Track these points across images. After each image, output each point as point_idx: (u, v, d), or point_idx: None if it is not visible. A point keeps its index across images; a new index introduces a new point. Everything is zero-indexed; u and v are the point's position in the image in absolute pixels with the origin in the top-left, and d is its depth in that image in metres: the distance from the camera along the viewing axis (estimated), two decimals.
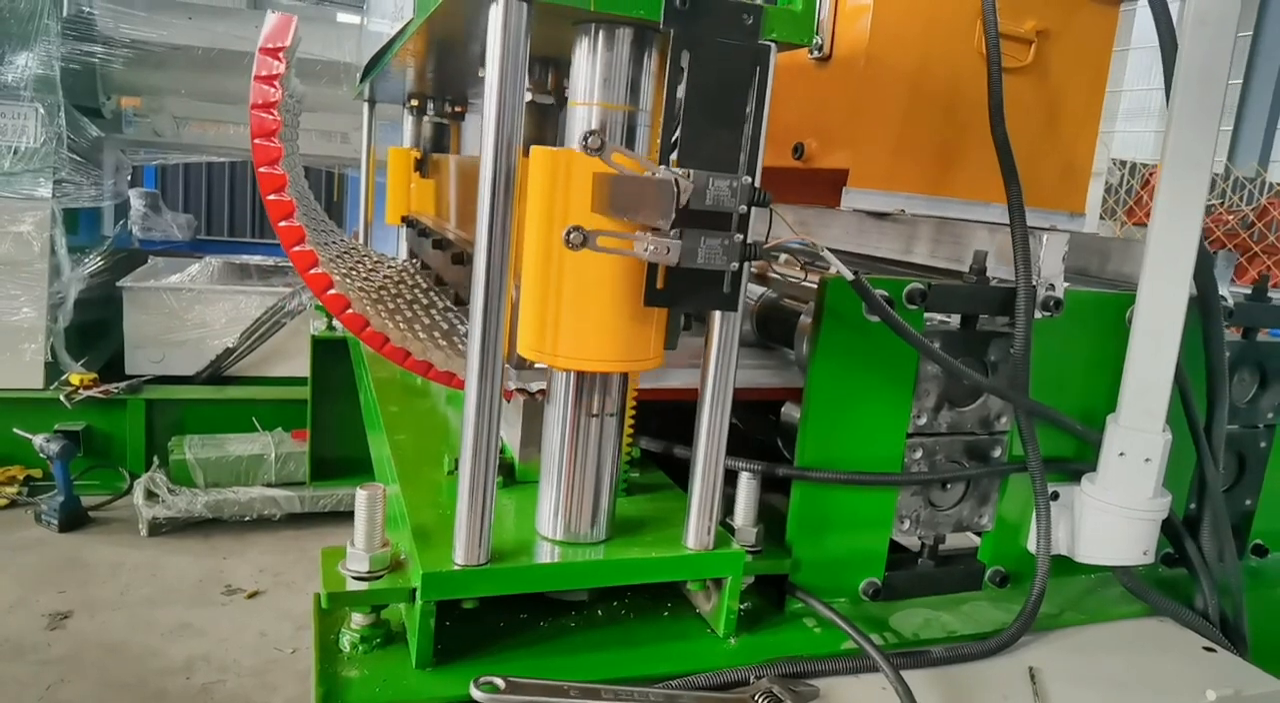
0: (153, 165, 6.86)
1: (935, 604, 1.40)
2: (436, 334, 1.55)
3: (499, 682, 1.03)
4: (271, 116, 1.27)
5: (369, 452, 1.93)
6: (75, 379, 4.13)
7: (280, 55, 1.32)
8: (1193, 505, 1.55)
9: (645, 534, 1.23)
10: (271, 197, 1.27)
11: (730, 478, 1.25)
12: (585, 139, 0.95)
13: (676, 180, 0.92)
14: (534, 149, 1.07)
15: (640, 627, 1.25)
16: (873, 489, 1.33)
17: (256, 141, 1.27)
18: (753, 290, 1.59)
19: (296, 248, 1.29)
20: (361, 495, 1.10)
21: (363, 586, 1.09)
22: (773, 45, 1.03)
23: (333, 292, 1.30)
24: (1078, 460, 1.44)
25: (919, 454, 1.35)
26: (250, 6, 5.75)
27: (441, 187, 2.39)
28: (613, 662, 1.17)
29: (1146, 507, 1.35)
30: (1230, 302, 1.51)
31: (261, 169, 1.27)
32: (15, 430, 3.97)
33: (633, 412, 1.29)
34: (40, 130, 4.06)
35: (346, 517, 4.07)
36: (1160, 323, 1.32)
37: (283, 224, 1.28)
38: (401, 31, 1.42)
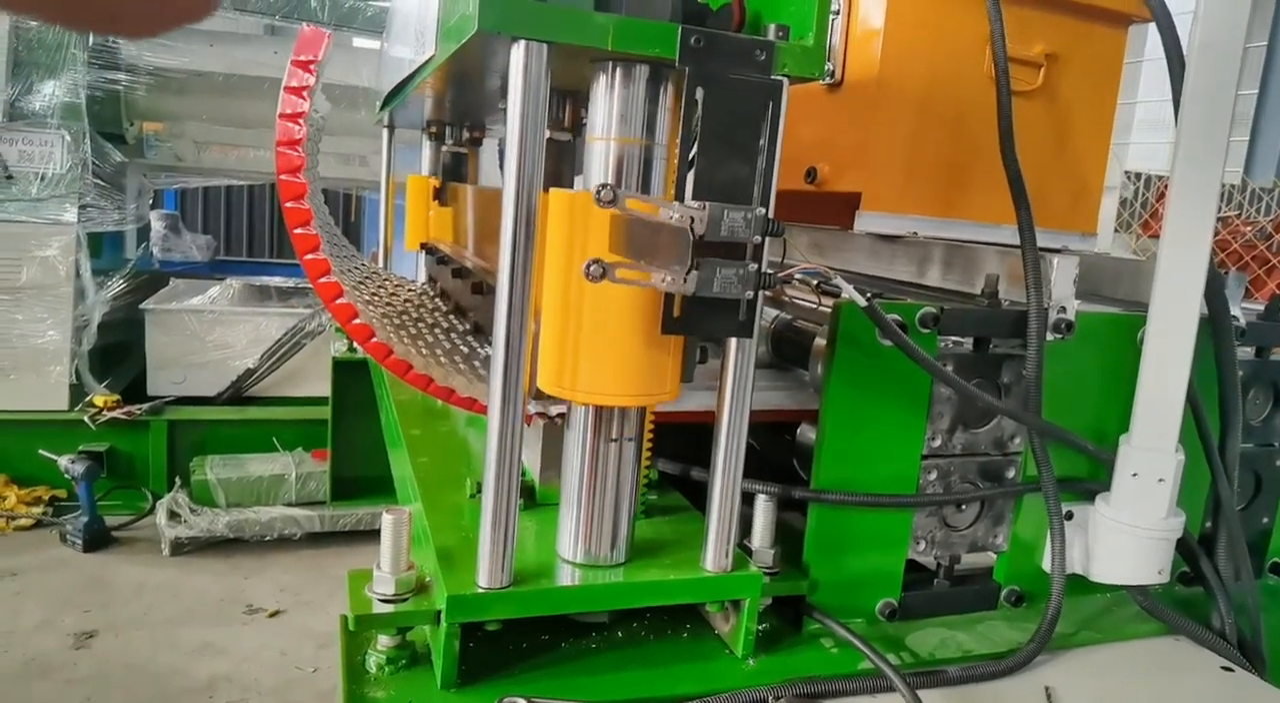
0: (173, 188, 6.96)
1: (951, 624, 1.42)
2: (457, 358, 1.58)
3: (521, 702, 1.06)
4: (297, 153, 1.31)
5: (389, 472, 1.96)
6: (99, 401, 4.19)
7: (312, 68, 1.36)
8: (1208, 524, 1.56)
9: (664, 556, 1.26)
10: (298, 231, 1.30)
11: (747, 498, 1.28)
12: (599, 192, 0.98)
13: (691, 223, 0.95)
14: (552, 192, 1.10)
15: (660, 648, 1.27)
16: (888, 511, 1.35)
17: (282, 178, 1.31)
18: (767, 313, 1.61)
19: (323, 279, 1.32)
20: (388, 519, 1.13)
21: (389, 608, 1.11)
22: (785, 80, 1.06)
23: (358, 321, 1.33)
24: (1091, 480, 1.45)
25: (934, 475, 1.37)
26: (268, 33, 5.85)
27: (459, 215, 2.44)
28: (633, 682, 1.19)
29: (1160, 526, 1.36)
30: (1242, 321, 1.52)
31: (288, 204, 1.30)
32: (41, 452, 4.03)
33: (650, 435, 1.31)
34: (66, 157, 4.14)
35: (366, 536, 4.13)
36: (1171, 344, 1.34)
37: (309, 257, 1.31)
38: (423, 67, 1.46)
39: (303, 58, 1.37)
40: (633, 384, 1.10)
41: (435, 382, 1.35)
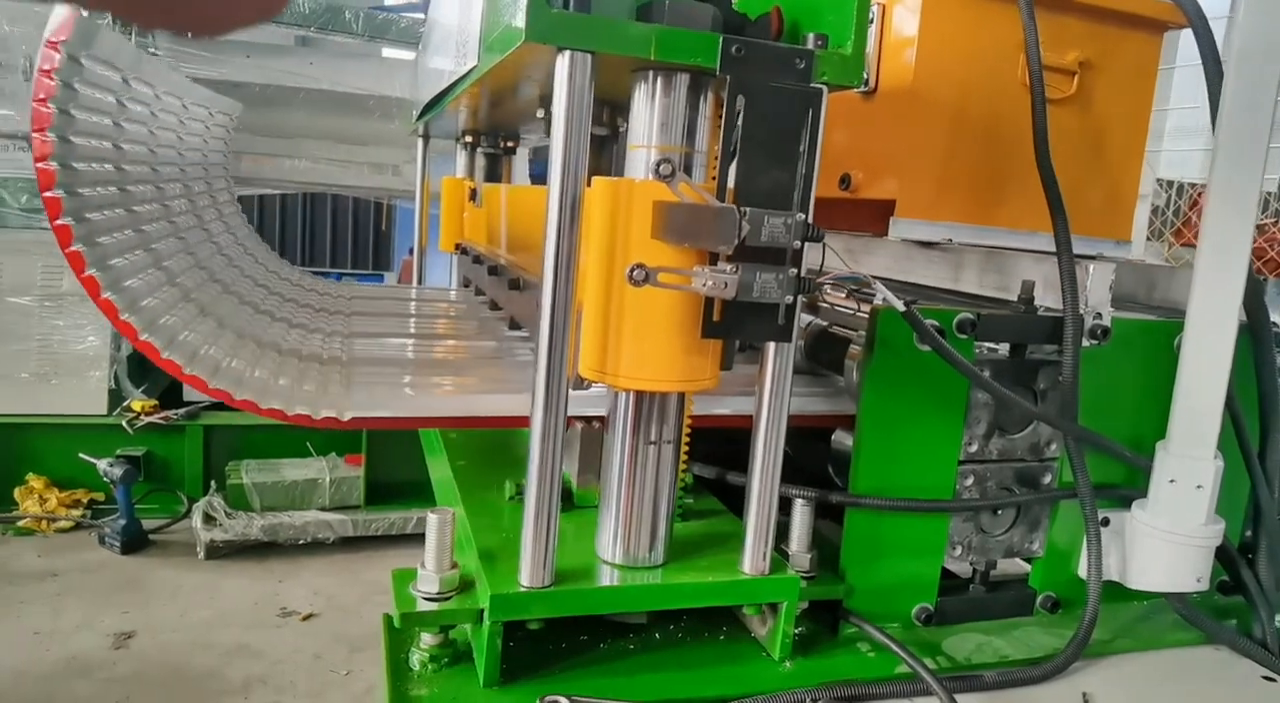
0: None
1: (987, 630, 1.42)
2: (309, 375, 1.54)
3: (563, 701, 1.07)
4: (48, 138, 1.25)
5: (420, 476, 1.99)
6: (137, 406, 4.26)
7: (60, 48, 1.29)
8: (1248, 532, 1.55)
9: (701, 559, 1.27)
10: (57, 222, 1.25)
11: (782, 505, 1.29)
12: (658, 166, 1.01)
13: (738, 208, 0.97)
14: (595, 180, 1.12)
15: (697, 650, 1.29)
16: (925, 516, 1.35)
17: (37, 166, 1.24)
18: (801, 318, 1.62)
19: (85, 273, 1.28)
20: (432, 519, 1.15)
21: (433, 606, 1.14)
22: (824, 88, 1.07)
23: (125, 317, 1.29)
24: (1128, 487, 1.44)
25: (970, 481, 1.37)
26: (299, 44, 5.93)
27: (495, 215, 2.47)
28: (671, 683, 1.20)
29: (1199, 533, 1.35)
30: None
31: (45, 194, 1.24)
32: (80, 455, 4.10)
33: (687, 439, 1.33)
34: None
35: (397, 540, 4.16)
36: (1210, 350, 1.34)
37: (68, 250, 1.26)
38: (463, 77, 1.49)
39: (53, 39, 1.33)
40: (674, 370, 1.12)
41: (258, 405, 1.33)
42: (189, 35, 0.43)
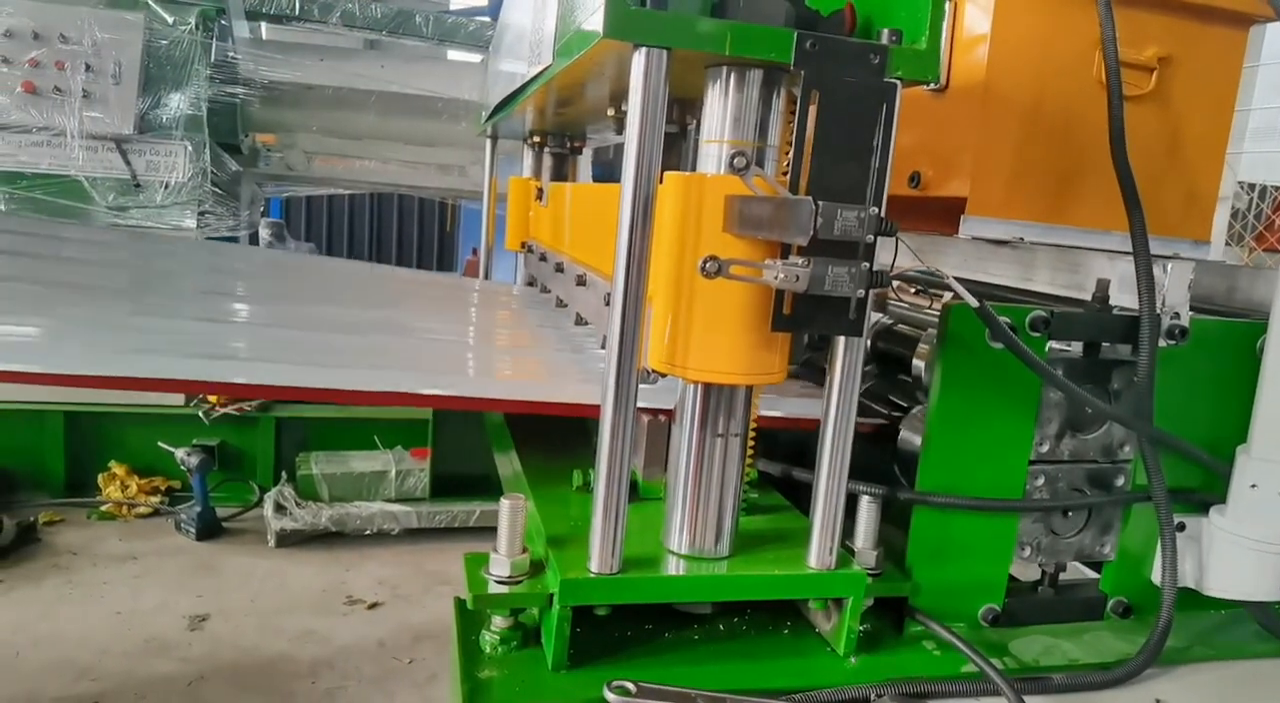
0: (279, 197, 7.28)
1: (1055, 633, 1.40)
2: None
3: (630, 686, 1.09)
4: None
5: (485, 470, 2.02)
6: (212, 398, 4.42)
7: None
8: None
9: (766, 552, 1.28)
10: None
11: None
12: (732, 159, 1.04)
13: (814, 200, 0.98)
14: (668, 175, 1.14)
15: (761, 642, 1.29)
16: (994, 515, 1.34)
17: None
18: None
19: None
20: (505, 505, 1.18)
21: (504, 589, 1.16)
22: (898, 83, 1.08)
23: None
24: (1204, 492, 1.41)
25: (1041, 481, 1.36)
26: (366, 47, 6.07)
27: (559, 213, 2.51)
28: (735, 674, 1.21)
29: None
30: None
31: None
32: (159, 444, 4.27)
33: (753, 435, 1.33)
34: (188, 166, 4.39)
35: (460, 533, 4.24)
36: None
37: None
38: (536, 77, 1.52)
39: None
40: (743, 363, 1.13)
41: None
42: None
